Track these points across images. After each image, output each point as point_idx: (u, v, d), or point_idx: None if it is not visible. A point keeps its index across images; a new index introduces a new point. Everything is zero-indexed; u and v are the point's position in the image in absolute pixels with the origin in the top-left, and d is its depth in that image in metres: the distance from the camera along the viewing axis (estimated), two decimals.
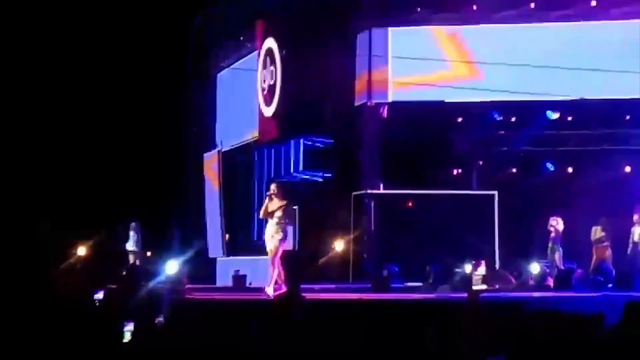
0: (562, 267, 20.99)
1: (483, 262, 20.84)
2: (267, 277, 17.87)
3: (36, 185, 26.48)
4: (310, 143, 25.29)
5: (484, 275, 20.53)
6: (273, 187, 17.73)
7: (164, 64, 28.11)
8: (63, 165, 27.26)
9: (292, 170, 25.59)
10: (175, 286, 16.85)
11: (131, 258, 24.55)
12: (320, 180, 25.27)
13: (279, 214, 17.34)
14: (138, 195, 28.15)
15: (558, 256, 21.21)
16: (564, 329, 9.91)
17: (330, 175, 24.90)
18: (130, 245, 24.88)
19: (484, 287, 20.13)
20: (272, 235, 17.44)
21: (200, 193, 29.55)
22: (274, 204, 17.44)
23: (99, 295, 13.19)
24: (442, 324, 10.45)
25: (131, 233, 24.95)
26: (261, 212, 17.88)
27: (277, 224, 17.36)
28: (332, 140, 24.64)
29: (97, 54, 27.33)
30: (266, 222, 18.11)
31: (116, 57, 27.56)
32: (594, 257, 21.26)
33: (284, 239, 17.45)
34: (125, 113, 28.32)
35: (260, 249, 24.32)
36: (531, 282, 20.47)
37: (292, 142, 25.55)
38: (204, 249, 28.66)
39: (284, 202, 17.47)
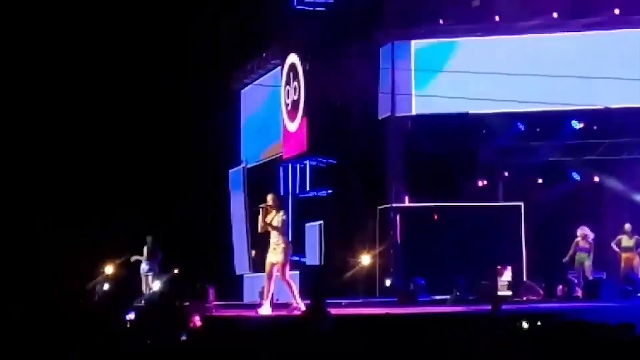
0: (591, 278, 20.83)
1: (509, 268, 20.71)
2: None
3: (60, 198, 26.58)
4: (335, 158, 25.30)
5: (509, 282, 20.42)
6: (269, 198, 17.31)
7: (191, 80, 28.21)
8: (87, 180, 27.34)
9: (317, 185, 25.61)
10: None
11: (144, 281, 23.26)
12: (346, 194, 25.24)
13: (276, 224, 16.92)
14: (163, 213, 28.19)
15: (588, 266, 21.00)
16: (593, 340, 9.84)
17: (355, 189, 24.86)
18: (144, 265, 23.37)
19: (510, 293, 20.03)
20: (274, 248, 16.77)
21: (227, 209, 29.61)
22: (271, 215, 17.08)
23: (131, 315, 13.17)
24: (468, 335, 10.39)
25: (145, 250, 23.43)
26: (259, 227, 17.04)
27: (278, 235, 16.98)
28: (357, 154, 24.61)
29: (123, 71, 27.43)
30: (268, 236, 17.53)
31: (142, 72, 27.65)
32: (622, 266, 21.12)
33: (287, 250, 16.93)
34: (152, 131, 28.40)
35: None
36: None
37: (317, 157, 25.57)
38: (232, 265, 28.71)
39: (281, 212, 17.09)
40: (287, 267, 16.72)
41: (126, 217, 25.84)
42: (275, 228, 16.80)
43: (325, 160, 25.54)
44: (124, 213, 26.27)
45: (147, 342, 10.81)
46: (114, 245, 24.62)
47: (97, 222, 25.83)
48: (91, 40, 26.81)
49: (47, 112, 26.92)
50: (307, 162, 26.33)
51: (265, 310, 16.46)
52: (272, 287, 16.79)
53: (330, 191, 25.53)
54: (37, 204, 25.95)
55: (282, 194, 27.95)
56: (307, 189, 26.35)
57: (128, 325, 12.38)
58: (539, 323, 11.06)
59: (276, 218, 16.82)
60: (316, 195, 25.98)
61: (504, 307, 13.55)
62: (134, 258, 23.23)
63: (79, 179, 27.28)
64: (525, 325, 10.95)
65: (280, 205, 17.29)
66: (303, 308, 16.06)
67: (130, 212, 26.45)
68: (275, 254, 16.69)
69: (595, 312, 15.44)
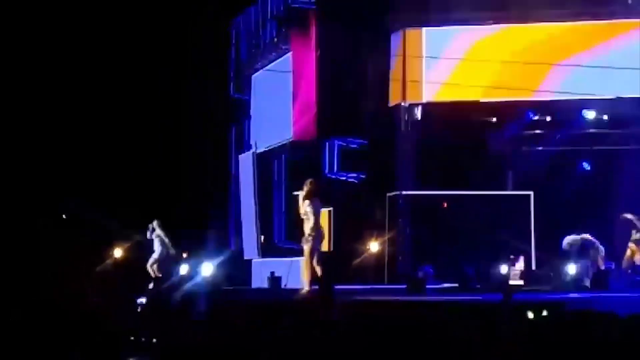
0: (602, 268, 20.80)
1: (522, 258, 20.71)
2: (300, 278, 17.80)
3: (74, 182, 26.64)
4: (344, 144, 25.25)
5: (521, 271, 20.41)
6: (305, 184, 17.59)
7: (205, 66, 28.23)
8: (101, 164, 27.39)
9: (327, 171, 25.56)
10: (211, 287, 16.87)
11: (151, 266, 23.51)
12: (355, 181, 25.21)
13: (304, 211, 17.17)
14: (174, 196, 28.24)
15: (599, 257, 20.95)
16: (602, 330, 9.83)
17: (364, 176, 24.83)
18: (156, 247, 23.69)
19: (521, 282, 20.02)
20: (304, 236, 17.33)
21: (236, 194, 29.63)
22: (301, 202, 17.35)
23: (142, 299, 13.20)
24: (479, 324, 10.38)
25: (148, 233, 23.65)
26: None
27: (306, 222, 17.25)
28: (367, 141, 24.58)
29: (141, 59, 27.47)
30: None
31: (155, 62, 27.69)
32: (636, 256, 21.07)
33: (315, 238, 17.22)
34: (163, 114, 28.43)
35: (294, 251, 24.35)
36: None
37: (327, 143, 25.52)
38: (240, 251, 28.73)
39: (306, 203, 17.25)
40: (314, 255, 17.17)
41: (134, 204, 25.88)
42: (302, 217, 17.05)
43: (336, 146, 25.46)
44: (132, 199, 26.32)
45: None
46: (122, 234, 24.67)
47: (106, 212, 25.86)
48: (96, 38, 26.85)
49: (55, 111, 26.97)
50: (317, 149, 26.28)
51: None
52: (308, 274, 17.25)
53: (340, 177, 25.49)
54: (38, 205, 25.98)
55: (291, 179, 28.00)
56: (317, 174, 26.30)
57: (139, 310, 12.41)
58: (544, 313, 11.05)
59: (301, 207, 17.07)
60: (326, 181, 25.93)
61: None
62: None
63: (91, 172, 27.37)
64: (530, 315, 10.95)
65: (311, 192, 17.37)
66: (307, 289, 16.38)
67: (138, 198, 26.51)
68: (305, 241, 17.28)
69: (604, 302, 15.42)
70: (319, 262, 17.29)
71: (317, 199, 17.48)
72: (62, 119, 27.01)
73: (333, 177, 25.31)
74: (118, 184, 27.30)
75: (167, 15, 27.05)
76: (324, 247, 25.07)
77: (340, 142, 25.25)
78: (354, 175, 25.13)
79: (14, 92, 26.55)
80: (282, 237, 27.29)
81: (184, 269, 21.85)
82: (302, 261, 17.62)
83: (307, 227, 17.23)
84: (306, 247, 17.25)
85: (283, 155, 28.17)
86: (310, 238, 17.18)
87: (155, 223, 23.59)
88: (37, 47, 26.50)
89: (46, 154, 27.05)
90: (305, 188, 17.41)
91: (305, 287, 17.21)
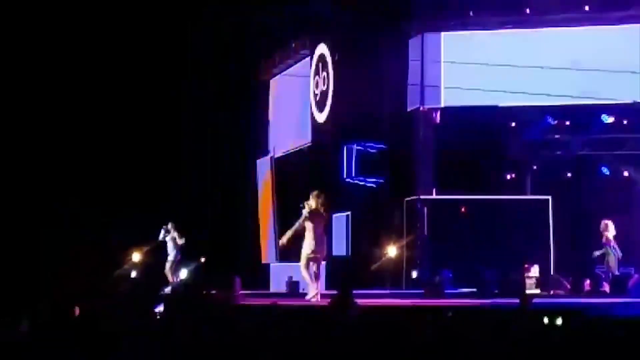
0: (617, 272, 20.71)
1: (536, 265, 20.65)
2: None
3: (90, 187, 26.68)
4: (362, 149, 25.25)
5: (537, 279, 20.35)
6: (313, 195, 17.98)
7: (219, 70, 28.26)
8: (117, 166, 27.42)
9: (345, 176, 25.57)
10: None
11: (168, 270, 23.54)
12: (374, 185, 25.21)
13: (303, 224, 17.91)
14: (190, 201, 28.28)
15: (612, 260, 20.86)
16: (622, 334, 9.80)
17: (382, 180, 24.82)
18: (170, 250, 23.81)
19: (538, 291, 19.96)
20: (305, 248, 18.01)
21: (254, 199, 29.66)
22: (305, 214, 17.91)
23: (160, 308, 13.22)
24: (495, 329, 10.36)
25: (162, 235, 23.71)
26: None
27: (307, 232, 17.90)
28: (385, 146, 24.57)
29: (150, 59, 27.49)
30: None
31: (171, 63, 27.72)
32: None
33: (316, 251, 17.83)
34: (177, 118, 28.48)
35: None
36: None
37: (345, 147, 25.52)
38: (258, 255, 28.76)
39: (303, 212, 17.89)
40: (308, 262, 17.71)
41: (150, 209, 25.92)
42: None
43: (355, 151, 25.45)
44: (148, 204, 26.36)
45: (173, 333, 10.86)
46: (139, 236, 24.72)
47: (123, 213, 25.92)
48: (113, 34, 26.90)
49: (65, 108, 27.05)
50: (335, 153, 26.28)
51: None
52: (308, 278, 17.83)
53: (358, 182, 25.48)
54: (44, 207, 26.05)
55: (309, 184, 27.98)
56: (335, 179, 26.29)
57: (158, 317, 12.43)
58: (561, 319, 11.00)
59: (303, 219, 17.40)
60: (344, 186, 25.93)
61: None
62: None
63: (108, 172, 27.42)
64: (546, 320, 10.91)
65: (316, 205, 17.58)
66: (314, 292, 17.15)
67: (155, 203, 26.54)
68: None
69: (622, 307, 15.37)
70: (318, 269, 17.73)
71: (321, 214, 17.86)
72: (74, 127, 27.13)
73: (351, 181, 25.32)
74: (132, 188, 27.35)
75: (195, 5, 27.08)
76: (337, 252, 25.29)
77: (358, 147, 25.25)
78: (373, 179, 25.12)
79: (34, 89, 26.69)
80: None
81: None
82: (302, 268, 17.93)
83: (309, 237, 17.50)
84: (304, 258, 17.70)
85: (301, 160, 28.19)
86: (311, 252, 17.61)
87: (170, 225, 23.67)
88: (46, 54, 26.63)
89: (65, 156, 27.16)
90: (312, 201, 17.68)
91: (312, 292, 17.45)
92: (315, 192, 17.98)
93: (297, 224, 17.76)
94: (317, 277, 17.77)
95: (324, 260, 18.52)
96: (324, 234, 18.19)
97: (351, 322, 12.07)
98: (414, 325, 11.36)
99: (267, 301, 18.37)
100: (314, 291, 17.54)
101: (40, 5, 25.97)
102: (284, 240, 18.40)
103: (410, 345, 10.41)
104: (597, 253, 20.89)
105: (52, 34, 25.92)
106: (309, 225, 17.69)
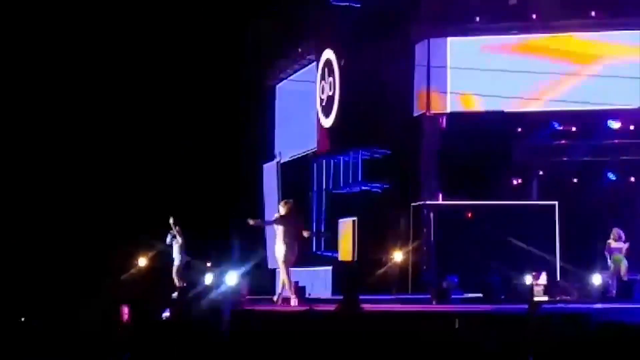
0: (626, 279, 20.70)
1: (544, 273, 20.62)
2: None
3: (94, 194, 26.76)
4: (368, 154, 25.26)
5: (545, 286, 20.33)
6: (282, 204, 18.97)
7: (225, 75, 28.28)
8: (123, 174, 27.49)
9: (351, 181, 25.58)
10: (235, 297, 16.92)
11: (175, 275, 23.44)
12: (379, 191, 25.21)
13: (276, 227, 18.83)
14: (197, 205, 28.28)
15: (624, 267, 20.85)
16: (629, 341, 9.80)
17: (389, 186, 24.82)
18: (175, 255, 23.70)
19: (545, 298, 19.93)
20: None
21: (260, 203, 29.64)
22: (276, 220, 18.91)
23: (166, 313, 13.25)
24: (503, 335, 10.36)
25: (169, 238, 23.55)
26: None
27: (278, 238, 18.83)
28: (391, 151, 24.57)
29: (157, 63, 27.55)
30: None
31: (175, 68, 27.77)
32: None
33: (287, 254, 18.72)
34: (185, 122, 28.50)
35: (319, 260, 24.38)
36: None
37: (351, 153, 25.54)
38: (264, 260, 28.72)
39: (281, 219, 18.70)
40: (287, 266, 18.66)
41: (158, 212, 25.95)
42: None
43: (361, 156, 25.46)
44: (156, 207, 26.39)
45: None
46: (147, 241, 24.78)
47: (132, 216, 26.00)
48: (123, 35, 26.97)
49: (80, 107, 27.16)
50: (341, 159, 26.31)
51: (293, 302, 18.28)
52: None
53: (364, 187, 25.50)
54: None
55: (315, 189, 27.99)
56: (341, 184, 26.31)
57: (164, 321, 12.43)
58: (570, 324, 11.00)
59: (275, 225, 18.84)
60: (350, 191, 25.94)
61: None
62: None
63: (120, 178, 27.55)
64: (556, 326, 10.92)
65: (286, 212, 18.59)
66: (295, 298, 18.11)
67: (163, 207, 26.57)
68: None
69: (629, 313, 15.35)
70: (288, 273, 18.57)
71: (292, 219, 18.61)
72: (82, 129, 27.23)
73: (356, 187, 25.35)
74: (141, 193, 27.39)
75: (202, 10, 27.13)
76: (344, 257, 25.34)
77: (364, 152, 25.26)
78: (378, 185, 25.13)
79: (46, 89, 26.83)
80: (313, 247, 27.22)
81: (208, 279, 21.86)
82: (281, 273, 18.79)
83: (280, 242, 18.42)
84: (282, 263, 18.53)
85: (307, 165, 28.19)
86: (283, 257, 18.47)
87: (171, 220, 23.60)
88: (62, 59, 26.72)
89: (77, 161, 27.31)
90: (282, 209, 18.63)
91: (293, 297, 18.42)
92: (283, 201, 19.18)
93: (267, 221, 19.74)
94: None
95: (292, 265, 19.03)
96: (295, 240, 18.70)
97: (357, 327, 12.08)
98: (420, 331, 11.37)
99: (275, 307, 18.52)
100: (291, 295, 18.40)
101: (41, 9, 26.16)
102: (252, 221, 19.20)
103: (417, 350, 10.42)
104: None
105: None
106: (278, 231, 18.51)
